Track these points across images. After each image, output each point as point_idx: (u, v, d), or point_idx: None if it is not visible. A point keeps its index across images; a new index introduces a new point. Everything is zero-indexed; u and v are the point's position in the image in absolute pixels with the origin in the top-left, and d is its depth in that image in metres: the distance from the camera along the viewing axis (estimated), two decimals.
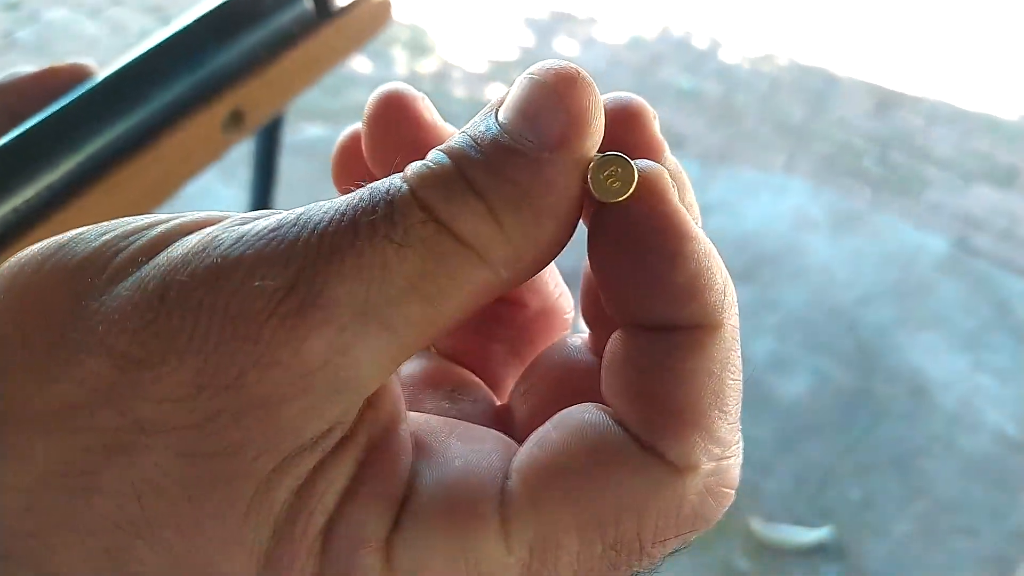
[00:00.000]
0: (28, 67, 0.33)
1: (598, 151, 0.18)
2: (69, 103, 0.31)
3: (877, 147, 2.72)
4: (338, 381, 0.16)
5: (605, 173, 0.17)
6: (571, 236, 0.18)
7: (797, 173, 2.52)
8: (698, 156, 2.50)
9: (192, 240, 0.16)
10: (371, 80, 2.60)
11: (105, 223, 0.17)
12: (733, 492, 0.18)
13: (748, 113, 2.76)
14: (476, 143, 0.17)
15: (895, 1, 3.63)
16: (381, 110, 0.21)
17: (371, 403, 0.17)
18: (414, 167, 0.17)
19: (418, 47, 2.83)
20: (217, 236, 0.16)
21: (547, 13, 3.15)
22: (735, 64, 3.03)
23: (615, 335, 0.18)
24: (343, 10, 0.37)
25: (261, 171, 0.64)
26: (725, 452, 0.17)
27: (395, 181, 0.17)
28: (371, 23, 0.38)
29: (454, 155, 0.17)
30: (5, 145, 0.30)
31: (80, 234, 0.17)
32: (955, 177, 2.64)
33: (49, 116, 0.31)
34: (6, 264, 0.17)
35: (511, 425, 0.21)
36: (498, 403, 0.23)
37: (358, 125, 0.23)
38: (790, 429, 1.69)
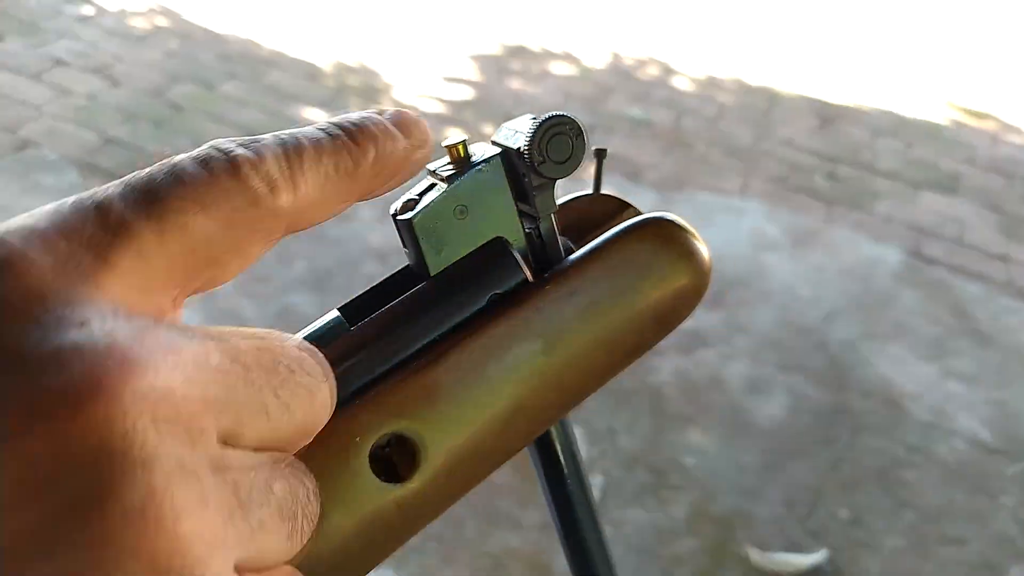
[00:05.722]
0: None
1: None
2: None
3: (826, 163, 2.78)
4: None
5: None
6: None
7: (751, 194, 2.57)
8: (654, 184, 2.53)
9: None
10: None
11: None
12: None
13: (698, 138, 2.81)
14: None
15: (828, 17, 3.74)
16: None
17: None
18: None
19: (370, 90, 2.82)
20: None
21: (499, 48, 3.17)
22: (682, 91, 3.10)
23: None
24: None
25: None
26: None
27: None
28: None
29: None
30: None
31: None
32: (903, 187, 2.72)
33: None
34: None
35: None
36: None
37: None
38: (773, 452, 1.70)
